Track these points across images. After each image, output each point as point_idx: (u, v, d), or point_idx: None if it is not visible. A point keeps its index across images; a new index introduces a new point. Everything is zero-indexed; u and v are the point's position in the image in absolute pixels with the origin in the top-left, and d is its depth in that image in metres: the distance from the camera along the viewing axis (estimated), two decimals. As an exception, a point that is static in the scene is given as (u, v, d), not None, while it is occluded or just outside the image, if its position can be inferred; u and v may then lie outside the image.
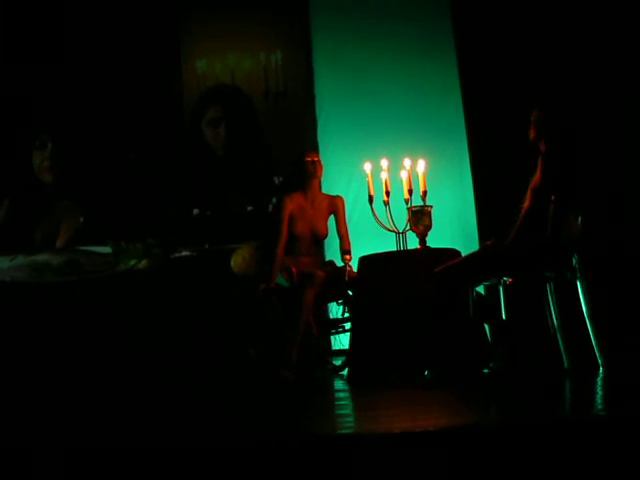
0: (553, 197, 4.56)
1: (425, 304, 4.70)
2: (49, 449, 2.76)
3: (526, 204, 4.63)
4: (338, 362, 5.65)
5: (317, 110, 7.09)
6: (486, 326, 4.87)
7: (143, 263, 5.15)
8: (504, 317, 4.72)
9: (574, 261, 4.69)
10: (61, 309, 4.93)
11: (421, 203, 5.18)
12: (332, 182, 6.50)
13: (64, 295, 4.98)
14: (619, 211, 6.34)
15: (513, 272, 4.69)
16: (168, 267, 5.25)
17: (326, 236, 5.64)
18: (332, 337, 5.97)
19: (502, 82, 6.54)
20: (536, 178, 4.62)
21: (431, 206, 5.17)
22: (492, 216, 6.29)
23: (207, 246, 5.78)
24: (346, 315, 5.58)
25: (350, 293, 5.41)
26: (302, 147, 5.98)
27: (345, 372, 5.40)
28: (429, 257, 4.99)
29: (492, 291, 4.90)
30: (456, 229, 6.70)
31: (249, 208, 7.08)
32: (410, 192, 5.22)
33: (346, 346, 5.47)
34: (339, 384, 5.25)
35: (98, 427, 3.32)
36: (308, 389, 4.96)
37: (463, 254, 4.98)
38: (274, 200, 6.95)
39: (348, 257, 5.48)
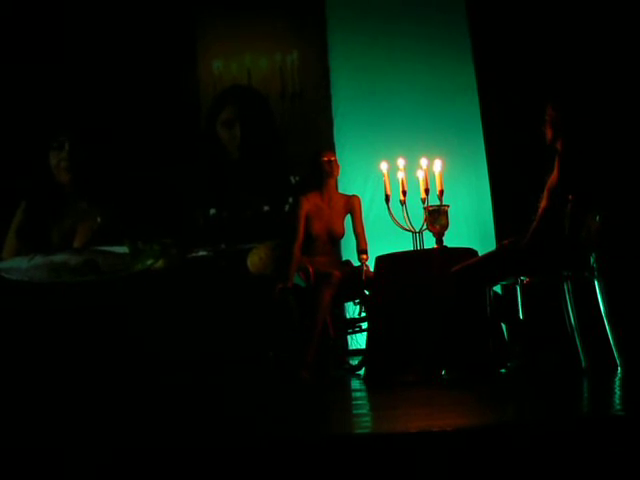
0: (571, 196, 4.55)
1: (442, 304, 4.69)
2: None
3: (543, 203, 4.61)
4: (355, 362, 5.65)
5: (333, 110, 7.08)
6: (503, 326, 4.86)
7: (160, 263, 5.16)
8: (521, 317, 4.71)
9: (592, 260, 4.67)
10: (79, 309, 4.95)
11: (438, 202, 5.17)
12: (349, 182, 6.51)
13: (82, 295, 5.00)
14: (638, 210, 6.29)
15: (530, 271, 4.68)
16: (185, 267, 5.26)
17: (343, 236, 5.63)
18: (349, 337, 5.97)
19: (519, 81, 6.52)
20: (553, 177, 4.60)
21: (448, 205, 5.16)
22: (509, 215, 6.27)
23: (224, 246, 5.79)
24: (363, 315, 5.57)
25: (367, 293, 5.41)
26: (318, 147, 5.98)
27: (362, 372, 5.40)
28: (446, 257, 4.98)
29: (509, 291, 4.90)
30: (473, 228, 6.68)
31: (266, 208, 7.08)
32: (427, 191, 5.22)
33: (363, 346, 5.46)
34: (356, 384, 5.25)
35: (121, 428, 3.33)
36: (325, 389, 4.95)
37: (480, 254, 4.97)
38: (291, 200, 6.95)
39: (365, 257, 5.48)
